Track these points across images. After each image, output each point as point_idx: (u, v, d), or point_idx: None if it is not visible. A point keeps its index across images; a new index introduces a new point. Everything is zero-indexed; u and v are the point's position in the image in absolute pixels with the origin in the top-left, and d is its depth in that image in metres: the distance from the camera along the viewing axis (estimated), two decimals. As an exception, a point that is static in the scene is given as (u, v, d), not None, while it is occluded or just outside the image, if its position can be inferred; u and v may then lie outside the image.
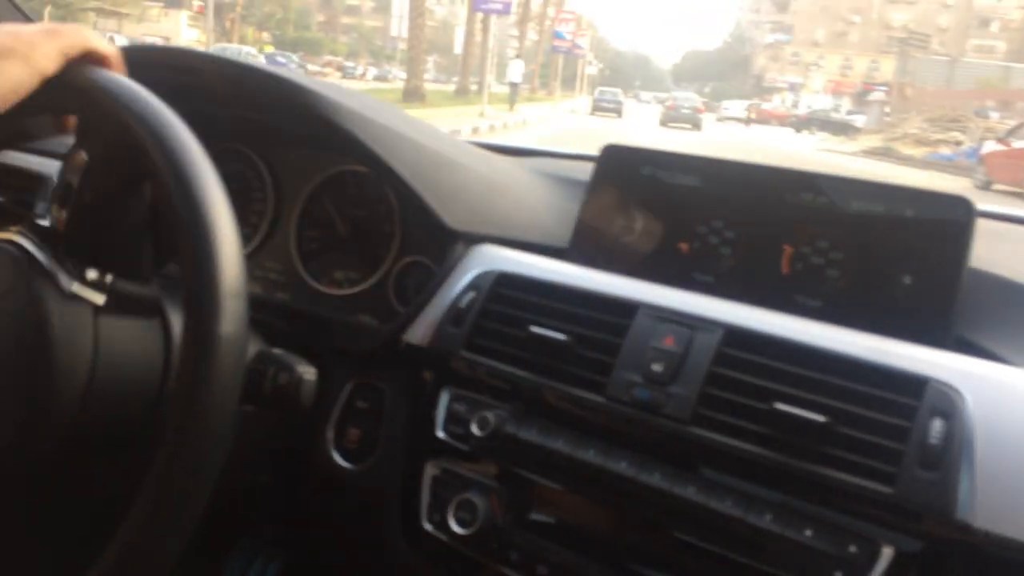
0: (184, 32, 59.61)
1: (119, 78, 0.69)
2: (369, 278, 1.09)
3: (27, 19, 1.43)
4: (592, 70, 69.81)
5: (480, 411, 0.86)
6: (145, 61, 0.98)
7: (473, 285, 0.93)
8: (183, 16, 60.72)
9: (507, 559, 0.83)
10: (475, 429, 0.85)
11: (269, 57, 49.35)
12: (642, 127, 29.49)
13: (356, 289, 1.09)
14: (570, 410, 0.84)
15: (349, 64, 55.84)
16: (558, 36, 42.16)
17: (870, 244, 0.83)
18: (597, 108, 39.16)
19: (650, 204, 0.96)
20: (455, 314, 0.92)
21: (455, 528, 0.85)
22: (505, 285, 0.92)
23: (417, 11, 18.72)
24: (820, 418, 0.71)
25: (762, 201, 0.89)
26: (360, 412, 0.97)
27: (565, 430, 0.83)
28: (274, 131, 1.14)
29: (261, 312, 0.87)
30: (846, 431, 0.71)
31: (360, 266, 1.10)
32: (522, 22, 45.40)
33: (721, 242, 0.91)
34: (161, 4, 59.67)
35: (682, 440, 0.77)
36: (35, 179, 1.24)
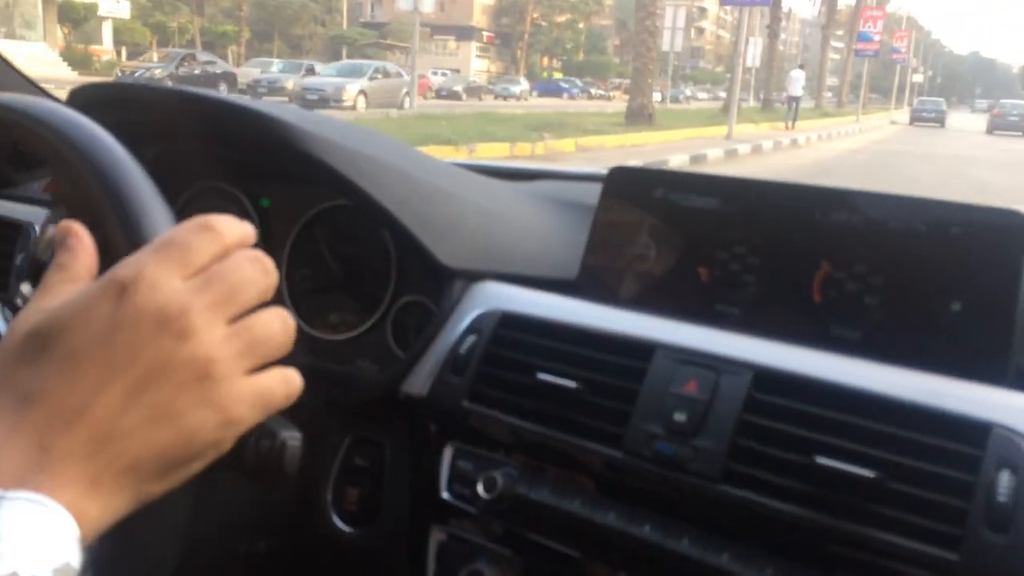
0: (473, 63, 63.14)
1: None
2: (366, 320, 1.01)
3: (33, 86, 1.38)
4: (919, 78, 64.27)
5: (487, 470, 0.78)
6: (115, 100, 0.91)
7: (474, 328, 0.85)
8: (472, 47, 64.17)
9: None
10: (481, 491, 0.77)
11: (552, 82, 51.83)
12: (961, 137, 28.13)
13: (352, 333, 1.02)
14: (585, 466, 0.75)
15: None
16: (862, 38, 37.12)
17: (913, 267, 0.74)
18: (916, 119, 38.42)
19: (664, 229, 0.87)
20: (456, 361, 0.84)
21: None
22: (509, 327, 0.84)
23: (641, 21, 16.61)
24: (868, 473, 0.63)
25: (789, 222, 0.80)
26: (359, 470, 0.90)
27: (581, 490, 0.74)
28: (258, 168, 1.07)
29: None
30: (900, 487, 0.62)
31: (356, 308, 1.03)
32: (827, 25, 42.70)
33: (744, 269, 0.82)
34: (452, 37, 62.84)
35: (711, 500, 0.69)
36: (13, 228, 1.17)
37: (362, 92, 20.81)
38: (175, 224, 0.52)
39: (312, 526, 0.91)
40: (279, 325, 0.47)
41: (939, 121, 37.54)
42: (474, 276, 0.91)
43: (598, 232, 0.91)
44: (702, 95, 58.83)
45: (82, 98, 0.91)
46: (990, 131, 32.86)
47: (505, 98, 40.25)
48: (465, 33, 63.81)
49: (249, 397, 0.45)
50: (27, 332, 0.44)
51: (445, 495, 0.82)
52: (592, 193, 0.97)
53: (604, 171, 0.96)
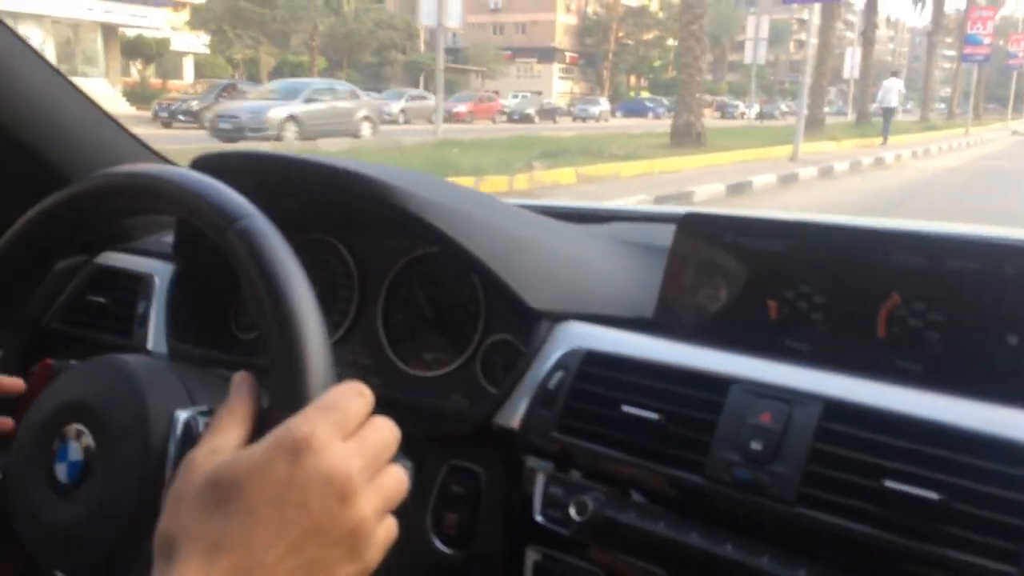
0: (555, 85, 62.81)
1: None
2: (457, 358, 1.10)
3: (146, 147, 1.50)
4: None
5: (577, 495, 0.86)
6: (230, 167, 1.02)
7: (560, 365, 0.93)
8: (555, 69, 63.75)
9: None
10: (573, 514, 0.85)
11: (637, 102, 51.78)
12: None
13: (445, 370, 1.10)
14: (668, 492, 0.82)
15: (732, 103, 54.07)
16: (970, 41, 34.47)
17: (970, 303, 0.80)
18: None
19: (735, 271, 0.94)
20: (544, 395, 0.92)
21: None
22: (593, 363, 0.91)
23: (686, 26, 15.54)
24: (934, 495, 0.68)
25: (851, 263, 0.87)
26: (456, 497, 0.98)
27: (666, 513, 0.81)
28: (355, 220, 1.17)
29: None
30: (963, 508, 0.68)
31: (448, 347, 1.11)
32: (934, 31, 39.95)
33: (811, 307, 0.89)
34: (535, 59, 63.14)
35: (787, 521, 0.75)
36: (135, 279, 1.29)
37: (292, 118, 17.30)
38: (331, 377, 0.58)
39: (414, 549, 0.99)
40: (399, 475, 0.56)
41: None
42: (558, 317, 0.98)
43: (672, 274, 0.98)
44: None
45: (203, 166, 1.02)
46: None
47: (584, 119, 40.17)
48: (547, 55, 63.30)
49: (382, 543, 0.54)
50: (209, 479, 0.52)
51: (539, 518, 0.89)
52: (662, 234, 1.05)
53: (677, 211, 1.03)
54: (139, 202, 0.72)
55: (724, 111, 49.98)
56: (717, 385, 0.83)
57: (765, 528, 0.77)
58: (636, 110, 48.20)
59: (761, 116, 41.57)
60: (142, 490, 0.68)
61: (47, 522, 0.73)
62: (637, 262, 1.11)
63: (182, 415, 0.70)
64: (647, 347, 0.92)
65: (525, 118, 35.93)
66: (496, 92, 45.30)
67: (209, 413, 0.71)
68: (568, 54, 64.93)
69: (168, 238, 1.34)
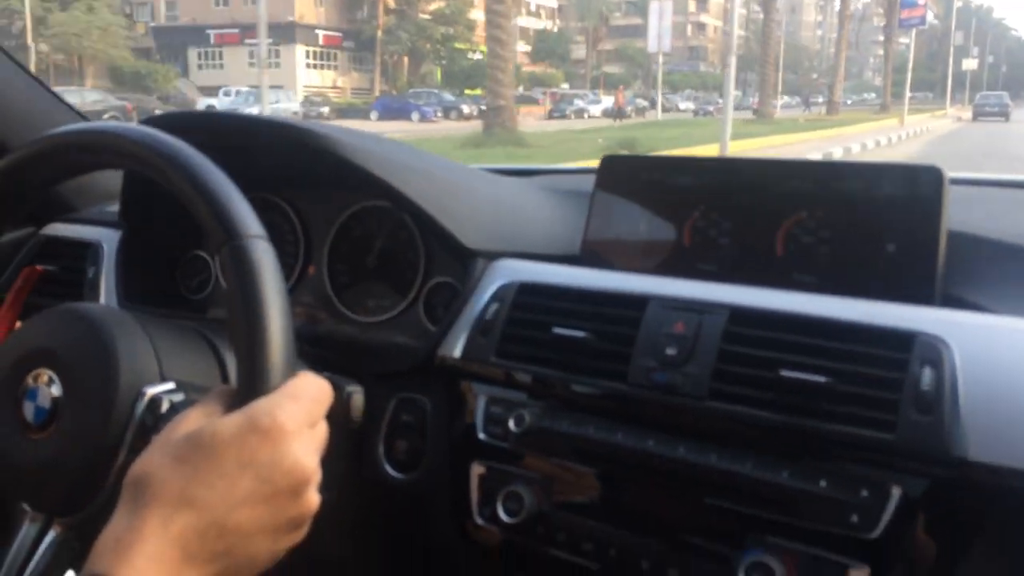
0: (303, 75, 44.53)
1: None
2: (400, 303, 1.18)
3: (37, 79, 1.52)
4: (972, 64, 53.65)
5: (515, 410, 0.94)
6: (183, 126, 1.08)
7: (497, 297, 1.01)
8: (298, 52, 45.04)
9: (554, 540, 0.90)
10: (513, 427, 0.93)
11: (398, 99, 40.10)
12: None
13: (389, 314, 1.18)
14: (597, 400, 0.92)
15: (572, 97, 44.97)
16: (906, 4, 31.44)
17: (854, 220, 0.91)
18: (980, 113, 38.78)
19: (651, 205, 1.04)
20: (483, 325, 1.00)
21: (505, 519, 0.92)
22: (526, 293, 1.00)
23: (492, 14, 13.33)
24: (821, 379, 0.79)
25: (752, 191, 0.97)
26: (405, 425, 1.06)
27: (595, 419, 0.91)
28: (296, 176, 1.24)
29: (305, 343, 0.95)
30: (846, 388, 0.79)
31: (390, 292, 1.19)
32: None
33: (719, 233, 0.99)
34: (270, 40, 41.18)
35: (701, 414, 0.85)
36: (83, 247, 1.33)
37: None
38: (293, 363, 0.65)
39: (367, 475, 1.06)
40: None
41: (1003, 115, 38.01)
42: (492, 255, 1.07)
43: (595, 211, 1.08)
44: (685, 105, 51.50)
45: (158, 125, 1.07)
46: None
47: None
48: (285, 34, 43.04)
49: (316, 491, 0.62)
50: (190, 434, 0.58)
51: (481, 435, 0.98)
52: (586, 183, 1.14)
53: (594, 166, 1.13)
54: (135, 169, 0.74)
55: (556, 108, 41.77)
56: (635, 302, 0.93)
57: (682, 423, 0.86)
58: (399, 110, 37.37)
59: (618, 114, 34.20)
60: (103, 442, 0.74)
61: (13, 458, 0.78)
62: (564, 205, 1.20)
63: (149, 391, 0.76)
64: (574, 276, 1.01)
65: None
66: (220, 89, 34.00)
67: (176, 391, 0.77)
68: (321, 33, 46.62)
69: (112, 207, 1.39)
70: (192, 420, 0.60)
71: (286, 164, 1.18)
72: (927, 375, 0.76)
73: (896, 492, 0.75)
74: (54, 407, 0.77)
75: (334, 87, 47.51)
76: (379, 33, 46.41)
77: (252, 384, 0.62)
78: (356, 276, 1.23)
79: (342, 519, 1.12)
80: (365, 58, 49.76)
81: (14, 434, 0.78)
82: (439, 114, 37.29)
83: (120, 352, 0.77)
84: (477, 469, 0.98)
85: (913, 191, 0.89)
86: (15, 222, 0.87)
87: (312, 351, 1.04)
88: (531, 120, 34.40)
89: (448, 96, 41.86)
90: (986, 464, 0.72)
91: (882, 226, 0.90)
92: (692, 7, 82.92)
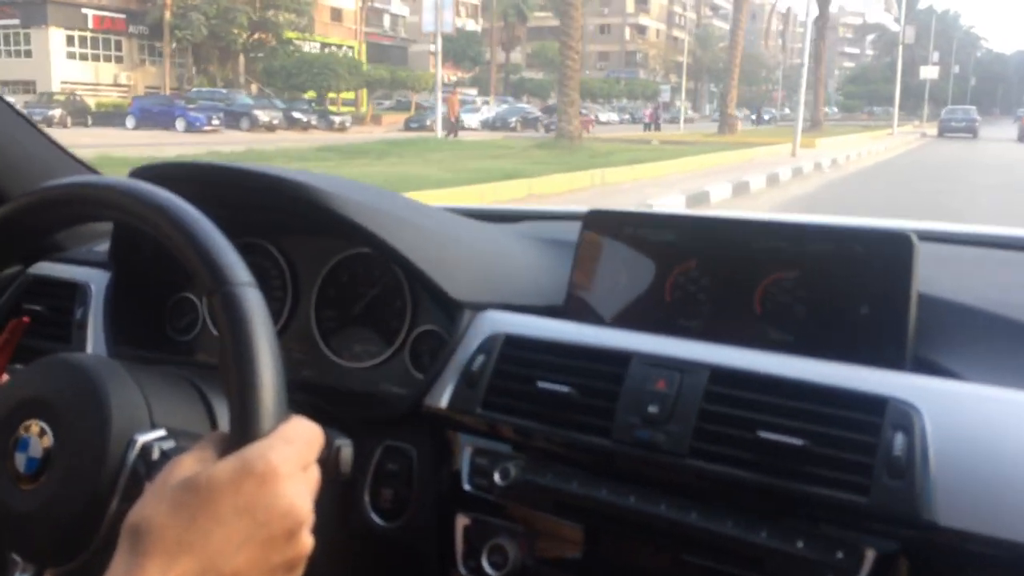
0: (60, 67, 33.71)
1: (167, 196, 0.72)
2: (386, 350, 1.19)
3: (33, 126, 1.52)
4: (932, 73, 48.64)
5: (501, 463, 0.96)
6: (170, 177, 1.09)
7: (483, 349, 1.04)
8: (56, 39, 34.05)
9: None
10: (498, 479, 0.95)
11: (164, 99, 31.59)
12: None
13: (375, 361, 1.20)
14: (580, 455, 0.94)
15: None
16: None
17: (829, 281, 0.94)
18: (946, 130, 35.85)
19: (634, 260, 1.07)
20: (469, 377, 1.02)
21: (489, 571, 0.94)
22: (512, 346, 1.02)
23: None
24: (798, 441, 0.81)
25: (730, 249, 1.00)
26: (390, 473, 1.07)
27: (579, 473, 0.93)
28: (285, 223, 1.26)
29: (291, 389, 0.96)
30: (822, 451, 0.81)
31: (377, 339, 1.21)
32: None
33: (699, 289, 1.02)
34: (15, 21, 32.31)
35: (682, 472, 0.87)
36: (71, 287, 1.34)
37: None
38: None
39: (353, 523, 1.08)
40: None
41: (971, 131, 34.92)
42: (478, 307, 1.09)
43: (579, 264, 1.10)
44: (604, 117, 47.27)
45: (145, 176, 1.09)
46: (1021, 139, 30.96)
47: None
48: (36, 15, 32.66)
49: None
50: (185, 480, 0.59)
51: (467, 487, 1.00)
52: (569, 230, 1.17)
53: (581, 210, 1.15)
54: (125, 222, 0.75)
55: (415, 118, 35.08)
56: (619, 359, 0.95)
57: (663, 480, 0.89)
58: (160, 115, 29.32)
59: (452, 129, 27.38)
60: (95, 491, 0.75)
61: (3, 508, 0.78)
62: (548, 255, 1.23)
63: (141, 439, 0.76)
64: (558, 330, 1.03)
65: None
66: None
67: (167, 438, 0.78)
68: (91, 13, 35.23)
69: (100, 247, 1.40)
70: (187, 466, 0.61)
71: (274, 212, 1.20)
72: (899, 440, 0.79)
73: (870, 554, 0.78)
74: (46, 457, 0.78)
75: (116, 84, 36.55)
76: (167, 15, 35.36)
77: (245, 429, 0.63)
78: (343, 322, 1.24)
79: (328, 567, 1.14)
80: (156, 51, 38.25)
81: (5, 485, 0.79)
82: (217, 121, 29.21)
83: (111, 401, 0.78)
84: (462, 520, 1.00)
85: (883, 255, 0.92)
86: (2, 268, 0.88)
87: (298, 397, 1.05)
88: (379, 131, 31.85)
89: (244, 98, 33.10)
90: (956, 530, 0.75)
91: (855, 288, 0.93)
92: (630, 7, 75.19)
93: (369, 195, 1.11)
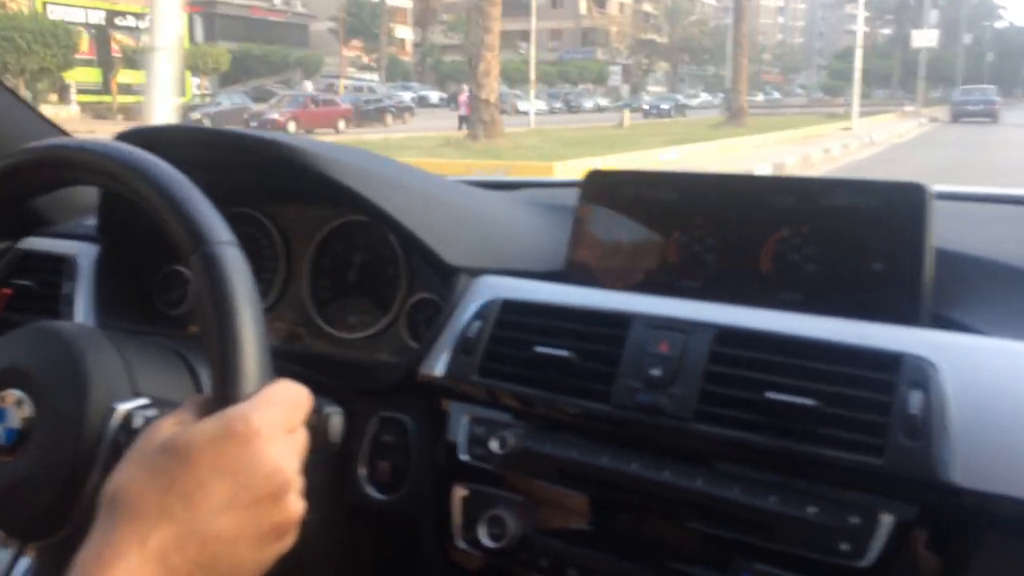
0: None
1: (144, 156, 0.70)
2: (382, 319, 1.16)
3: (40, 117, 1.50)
4: (929, 40, 33.47)
5: (499, 431, 0.93)
6: (158, 141, 1.06)
7: (480, 314, 1.00)
8: None
9: (538, 566, 0.89)
10: (495, 448, 0.92)
11: None
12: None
13: (371, 331, 1.16)
14: (580, 421, 0.90)
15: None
16: None
17: (839, 236, 0.90)
18: (960, 114, 30.09)
19: (634, 221, 1.03)
20: (465, 343, 0.98)
21: (487, 543, 0.91)
22: (510, 311, 0.98)
23: None
24: (809, 402, 0.77)
25: (736, 207, 0.96)
26: (387, 445, 1.04)
27: (579, 440, 0.89)
28: (277, 191, 1.22)
29: (283, 361, 0.93)
30: (834, 411, 0.77)
31: (372, 308, 1.17)
32: None
33: (704, 249, 0.97)
34: None
35: (686, 437, 0.83)
36: (59, 261, 1.31)
37: None
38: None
39: (350, 496, 1.04)
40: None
41: (989, 115, 29.58)
42: (475, 272, 1.05)
43: (579, 227, 1.06)
44: (525, 106, 34.06)
45: (131, 140, 1.05)
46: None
47: None
48: None
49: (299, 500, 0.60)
50: (164, 444, 0.56)
51: (464, 457, 0.96)
52: (569, 197, 1.13)
53: (580, 179, 1.11)
54: (103, 185, 0.74)
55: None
56: (620, 321, 0.91)
57: (667, 445, 0.85)
58: None
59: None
60: (75, 463, 0.72)
61: None
62: (547, 220, 1.19)
63: (122, 407, 0.73)
64: (558, 293, 0.99)
65: None
66: None
67: (150, 407, 0.75)
68: None
69: (88, 220, 1.37)
70: (165, 429, 0.58)
71: (267, 178, 1.16)
72: (915, 398, 0.74)
73: (886, 519, 0.74)
74: (24, 428, 0.75)
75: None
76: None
77: (226, 391, 0.60)
78: (337, 291, 1.21)
79: (326, 542, 1.10)
80: None
81: None
82: None
83: (91, 369, 0.75)
84: (459, 492, 0.96)
85: (897, 208, 0.88)
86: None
87: (292, 368, 1.02)
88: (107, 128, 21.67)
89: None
90: (976, 491, 0.70)
91: (867, 243, 0.88)
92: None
93: (361, 158, 1.07)
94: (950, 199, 1.11)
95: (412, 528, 1.01)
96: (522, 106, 37.57)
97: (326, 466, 1.03)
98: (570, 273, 1.06)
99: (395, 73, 49.34)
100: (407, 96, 35.95)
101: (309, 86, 29.51)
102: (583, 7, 63.26)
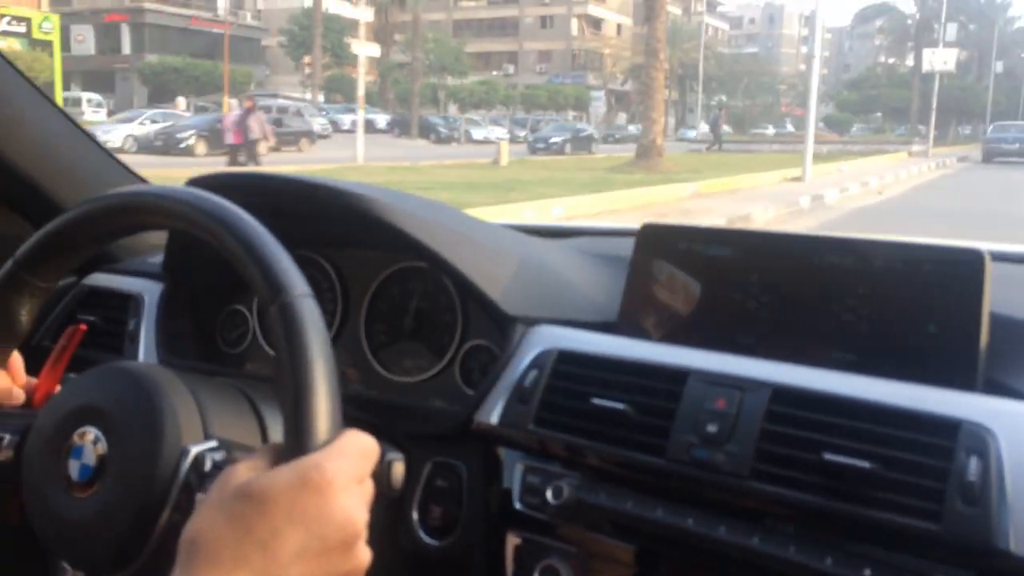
0: None
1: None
2: (436, 364, 1.18)
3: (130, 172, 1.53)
4: (948, 61, 29.74)
5: (553, 481, 0.94)
6: (227, 187, 1.10)
7: (536, 364, 1.02)
8: None
9: None
10: (550, 498, 0.93)
11: None
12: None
13: (425, 375, 1.19)
14: (635, 474, 0.91)
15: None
16: None
17: (894, 298, 0.91)
18: (994, 153, 26.12)
19: (689, 275, 1.05)
20: (521, 392, 1.01)
21: None
22: (565, 362, 1.00)
23: None
24: (866, 464, 0.78)
25: (791, 265, 0.98)
26: (440, 491, 1.06)
27: (633, 493, 0.90)
28: (338, 235, 1.25)
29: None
30: (891, 475, 0.78)
31: (427, 354, 1.20)
32: None
33: (759, 306, 0.99)
34: None
35: (742, 494, 0.85)
36: (125, 298, 1.35)
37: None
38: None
39: (402, 541, 1.06)
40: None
41: None
42: (531, 321, 1.08)
43: (633, 279, 1.08)
44: (482, 134, 34.45)
45: (202, 185, 1.09)
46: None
47: None
48: None
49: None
50: (240, 490, 0.58)
51: (518, 505, 0.98)
52: (623, 246, 1.15)
53: (634, 227, 1.13)
54: (182, 230, 0.76)
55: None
56: (676, 376, 0.93)
57: (722, 502, 0.86)
58: None
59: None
60: (147, 501, 0.75)
61: (56, 516, 0.78)
62: (601, 271, 1.21)
63: (194, 449, 0.76)
64: (614, 345, 1.01)
65: None
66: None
67: (218, 450, 0.77)
68: None
69: (153, 259, 1.41)
70: (240, 474, 0.60)
71: (328, 223, 1.20)
72: (973, 465, 0.75)
73: None
74: (99, 465, 0.78)
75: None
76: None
77: (300, 440, 0.62)
78: (393, 336, 1.24)
79: None
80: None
81: (58, 492, 0.79)
82: None
83: (165, 411, 0.78)
84: (513, 540, 0.98)
85: (954, 272, 0.89)
86: (60, 277, 0.89)
87: (347, 411, 1.05)
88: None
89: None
90: None
91: (923, 306, 0.90)
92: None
93: (424, 208, 1.11)
94: (1009, 261, 1.11)
95: (463, 575, 1.03)
96: (477, 134, 35.53)
97: (380, 510, 1.05)
98: (623, 324, 1.08)
99: (350, 93, 42.65)
100: (320, 121, 31.77)
101: (235, 104, 26.32)
102: (574, 26, 59.37)
